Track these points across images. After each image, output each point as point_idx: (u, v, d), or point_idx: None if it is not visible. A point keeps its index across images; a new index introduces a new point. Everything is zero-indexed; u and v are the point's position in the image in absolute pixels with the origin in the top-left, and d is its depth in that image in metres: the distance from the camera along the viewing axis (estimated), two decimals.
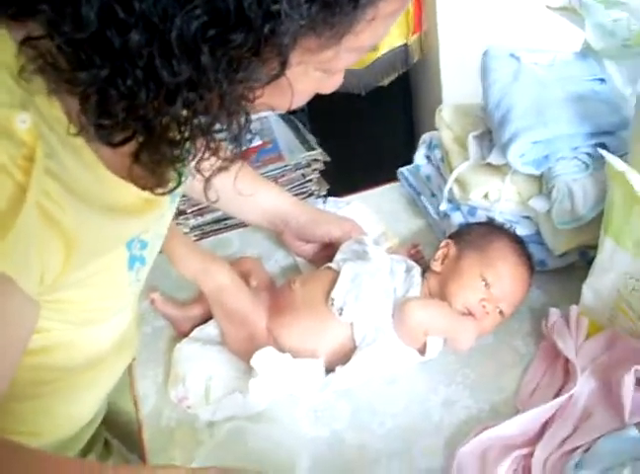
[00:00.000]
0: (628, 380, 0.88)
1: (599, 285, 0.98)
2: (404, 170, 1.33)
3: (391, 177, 1.39)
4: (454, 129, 1.22)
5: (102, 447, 1.12)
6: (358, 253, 1.08)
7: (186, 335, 1.08)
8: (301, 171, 2.08)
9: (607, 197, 0.94)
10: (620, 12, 1.13)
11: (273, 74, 0.57)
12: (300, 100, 0.68)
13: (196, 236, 2.07)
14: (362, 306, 0.98)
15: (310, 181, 2.10)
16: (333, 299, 0.99)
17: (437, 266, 1.06)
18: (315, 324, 1.00)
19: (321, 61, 0.61)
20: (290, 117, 2.23)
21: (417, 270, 1.04)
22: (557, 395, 0.93)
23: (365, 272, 1.02)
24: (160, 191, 0.72)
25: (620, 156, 0.99)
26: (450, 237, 1.11)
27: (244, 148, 0.65)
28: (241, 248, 1.27)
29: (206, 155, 0.65)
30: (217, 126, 0.61)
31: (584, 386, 0.92)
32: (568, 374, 0.96)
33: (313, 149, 2.09)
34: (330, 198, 1.30)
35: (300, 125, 2.21)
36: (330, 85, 0.69)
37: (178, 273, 1.04)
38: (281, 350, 0.98)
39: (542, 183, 1.08)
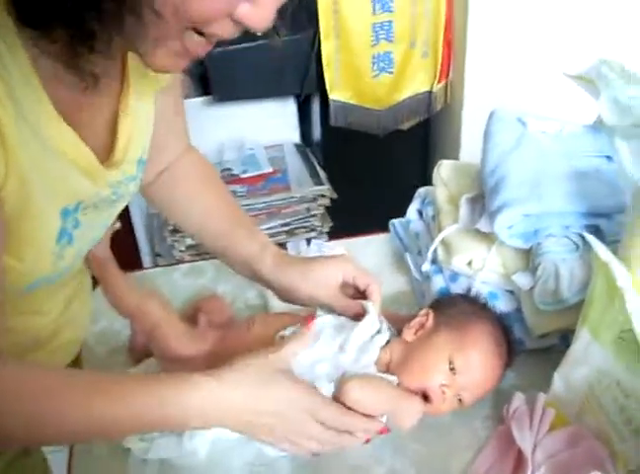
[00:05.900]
0: None
1: (571, 376, 0.91)
2: (396, 222, 1.27)
3: None
4: (450, 188, 1.16)
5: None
6: None
7: (137, 359, 1.04)
8: (306, 205, 2.05)
9: (590, 285, 0.88)
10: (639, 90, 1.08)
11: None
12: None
13: (190, 255, 2.04)
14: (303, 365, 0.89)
15: (314, 216, 2.07)
16: (282, 337, 0.91)
17: (409, 334, 0.96)
18: None
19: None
20: (306, 149, 2.20)
21: (382, 336, 0.94)
22: None
23: (332, 326, 0.94)
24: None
25: (614, 242, 0.93)
26: (432, 307, 1.01)
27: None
28: (215, 279, 1.22)
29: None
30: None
31: None
32: (520, 467, 0.88)
33: (322, 184, 2.05)
34: (314, 241, 1.25)
35: (313, 159, 2.18)
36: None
37: (115, 309, 0.98)
38: None
39: (530, 258, 1.02)
